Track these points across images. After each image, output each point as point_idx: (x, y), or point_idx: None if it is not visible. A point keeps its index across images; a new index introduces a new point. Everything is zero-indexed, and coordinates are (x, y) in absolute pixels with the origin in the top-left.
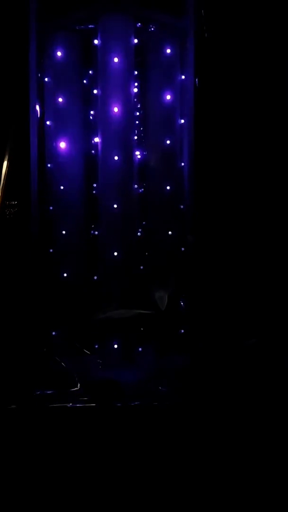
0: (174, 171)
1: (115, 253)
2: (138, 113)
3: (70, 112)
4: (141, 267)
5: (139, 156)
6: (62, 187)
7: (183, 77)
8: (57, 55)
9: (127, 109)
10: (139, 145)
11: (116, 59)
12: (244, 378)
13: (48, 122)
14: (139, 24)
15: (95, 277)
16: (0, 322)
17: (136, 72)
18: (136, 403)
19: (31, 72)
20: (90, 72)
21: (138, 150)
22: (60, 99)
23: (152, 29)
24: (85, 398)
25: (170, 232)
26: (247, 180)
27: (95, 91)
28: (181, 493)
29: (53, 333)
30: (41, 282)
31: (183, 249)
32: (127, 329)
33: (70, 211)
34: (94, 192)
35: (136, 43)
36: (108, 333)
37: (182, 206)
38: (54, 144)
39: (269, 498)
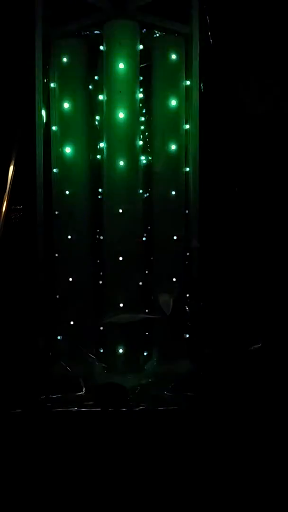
0: (179, 176)
1: (120, 258)
2: (143, 118)
3: (75, 118)
4: (146, 272)
5: (144, 161)
6: (67, 192)
7: (188, 82)
8: (63, 60)
9: (132, 115)
10: (144, 150)
11: (121, 65)
12: (249, 383)
13: (54, 127)
14: (144, 30)
15: (100, 282)
16: (5, 326)
17: (141, 78)
18: (141, 407)
19: (37, 78)
20: (96, 77)
21: (143, 155)
22: (66, 105)
23: (157, 35)
24: (90, 403)
25: (175, 237)
26: (252, 185)
27: (100, 97)
28: (185, 496)
29: (59, 337)
30: (46, 286)
31: (188, 253)
32: (132, 333)
33: (76, 215)
34: (99, 197)
35: (141, 49)
36: (113, 337)
37: (187, 211)
38: (59, 149)
39: (274, 501)
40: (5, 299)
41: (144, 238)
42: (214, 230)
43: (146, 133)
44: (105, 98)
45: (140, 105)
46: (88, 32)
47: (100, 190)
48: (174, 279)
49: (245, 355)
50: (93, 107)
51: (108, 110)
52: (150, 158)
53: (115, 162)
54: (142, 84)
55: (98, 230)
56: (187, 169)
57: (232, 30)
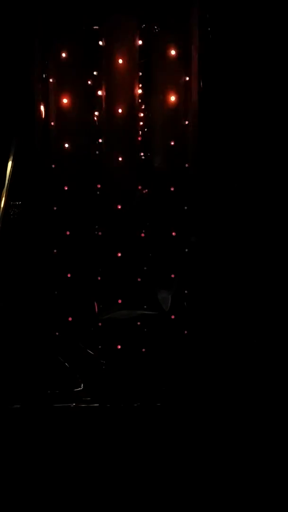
0: (178, 172)
1: (119, 254)
2: (142, 114)
3: (74, 113)
4: (145, 268)
5: (143, 157)
6: (66, 188)
7: (187, 78)
8: (61, 55)
9: (131, 110)
10: (143, 146)
11: (120, 60)
12: (247, 379)
13: (52, 123)
14: (144, 25)
15: (99, 278)
16: (4, 322)
17: (140, 73)
18: (139, 403)
19: (35, 73)
20: (95, 73)
21: (142, 151)
22: (65, 100)
23: (157, 30)
24: (88, 398)
25: (174, 233)
26: (251, 181)
27: (99, 92)
28: (184, 493)
29: (57, 333)
30: (45, 282)
31: (186, 250)
32: (131, 330)
33: (74, 211)
34: (98, 192)
35: (141, 44)
36: (112, 333)
37: (186, 207)
38: (58, 144)
39: (272, 499)
40: (4, 296)
41: (142, 234)
42: (213, 226)
43: (145, 129)
44: (104, 93)
45: (139, 100)
46: (87, 27)
47: (98, 185)
48: (173, 275)
49: (245, 350)
50: (92, 102)
51: (107, 106)
52: (149, 153)
53: (113, 158)
54: (141, 80)
55: (96, 226)
56: (186, 165)
57: (232, 25)
